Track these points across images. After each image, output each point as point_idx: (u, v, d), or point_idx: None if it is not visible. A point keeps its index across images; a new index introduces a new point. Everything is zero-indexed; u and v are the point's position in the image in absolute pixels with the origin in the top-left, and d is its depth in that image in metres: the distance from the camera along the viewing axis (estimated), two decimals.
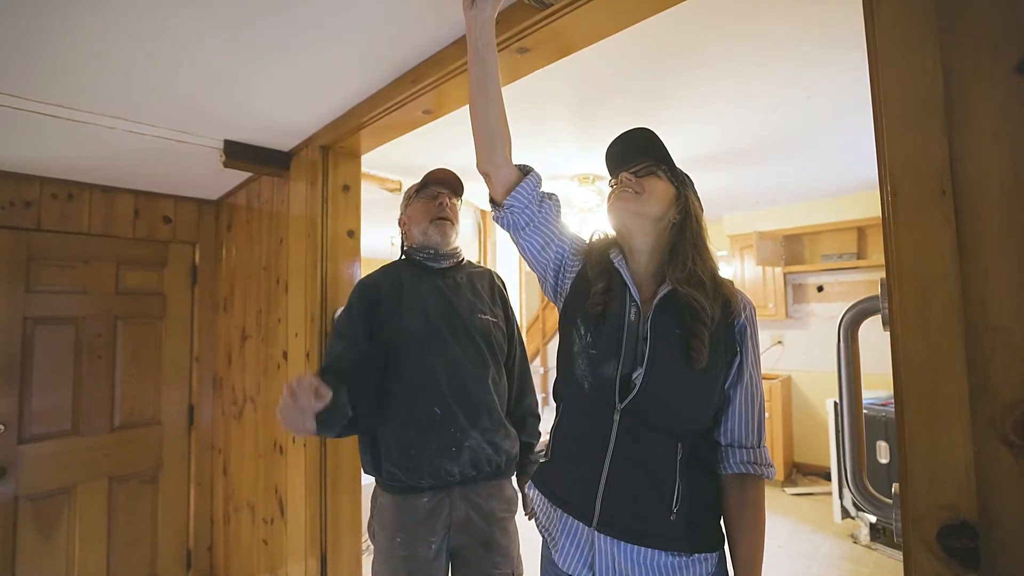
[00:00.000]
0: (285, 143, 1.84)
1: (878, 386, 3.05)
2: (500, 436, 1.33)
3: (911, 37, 0.57)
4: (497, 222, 1.01)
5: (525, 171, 0.98)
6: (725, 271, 4.27)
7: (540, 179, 1.00)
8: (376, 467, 1.31)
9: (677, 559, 0.85)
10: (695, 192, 0.96)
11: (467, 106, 0.97)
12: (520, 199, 0.96)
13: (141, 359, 2.37)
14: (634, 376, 0.87)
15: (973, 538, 0.52)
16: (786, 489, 3.72)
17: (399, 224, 1.51)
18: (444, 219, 1.41)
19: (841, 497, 2.79)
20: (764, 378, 4.01)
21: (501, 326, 1.42)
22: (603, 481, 0.88)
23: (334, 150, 1.71)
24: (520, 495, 1.39)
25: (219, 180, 2.23)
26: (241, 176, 2.17)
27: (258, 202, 2.17)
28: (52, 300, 2.14)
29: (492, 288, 1.47)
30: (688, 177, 0.96)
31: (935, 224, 0.55)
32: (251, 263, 2.20)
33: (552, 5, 0.95)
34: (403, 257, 1.46)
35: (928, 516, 0.55)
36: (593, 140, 2.44)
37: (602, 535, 0.88)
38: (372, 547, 1.35)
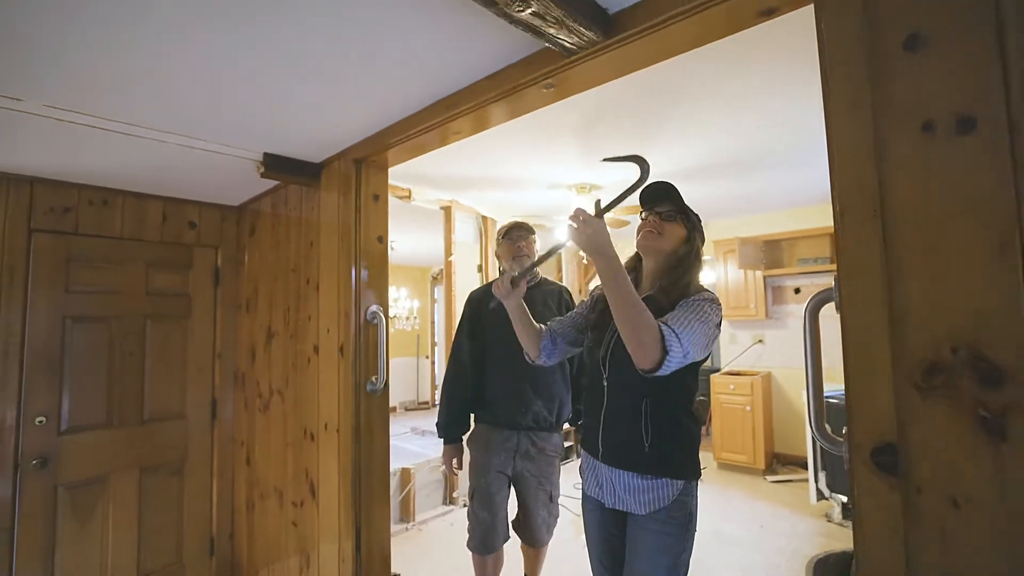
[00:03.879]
0: (317, 155, 2.02)
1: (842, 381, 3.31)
2: (555, 405, 2.04)
3: (853, 101, 0.79)
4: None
5: (541, 340, 1.48)
6: (709, 274, 4.54)
7: (545, 332, 1.49)
8: (477, 411, 2.10)
9: (649, 481, 1.22)
10: (702, 232, 1.33)
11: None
12: (547, 356, 1.49)
13: (168, 356, 2.51)
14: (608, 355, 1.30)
15: (893, 454, 0.74)
16: (767, 477, 3.98)
17: (495, 255, 2.24)
18: (522, 256, 2.07)
19: (816, 481, 3.05)
20: (745, 375, 4.28)
21: None
22: (601, 428, 1.31)
23: (366, 163, 1.89)
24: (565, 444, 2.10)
25: (243, 187, 2.40)
26: (266, 184, 2.33)
27: (285, 208, 2.34)
28: (88, 300, 2.28)
29: (559, 300, 2.14)
30: (698, 218, 1.31)
31: (869, 236, 0.77)
32: (278, 265, 2.37)
33: (576, 54, 1.16)
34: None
35: (865, 442, 0.77)
36: (592, 155, 2.66)
37: (603, 464, 1.30)
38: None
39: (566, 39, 1.05)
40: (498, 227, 2.26)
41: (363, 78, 1.39)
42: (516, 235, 2.07)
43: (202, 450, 2.61)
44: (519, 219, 2.19)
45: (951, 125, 0.72)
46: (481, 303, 2.10)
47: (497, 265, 2.26)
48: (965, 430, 0.70)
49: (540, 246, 2.15)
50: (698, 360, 1.20)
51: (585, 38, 1.06)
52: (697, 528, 1.26)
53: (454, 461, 2.15)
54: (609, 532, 1.35)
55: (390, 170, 2.16)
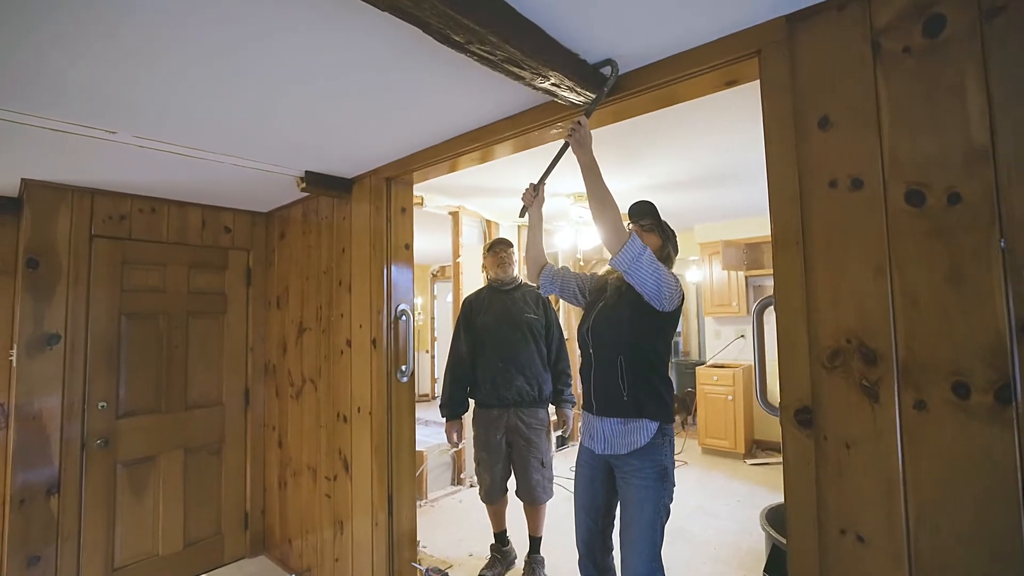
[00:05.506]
0: (350, 172, 2.30)
1: None
2: (536, 381, 2.49)
3: (785, 161, 1.10)
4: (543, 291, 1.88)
5: (544, 269, 1.83)
6: (696, 273, 4.87)
7: (551, 268, 1.85)
8: (474, 393, 2.56)
9: (628, 424, 1.57)
10: (675, 243, 1.71)
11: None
12: (544, 284, 1.84)
13: (207, 349, 2.79)
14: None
15: (809, 413, 1.05)
16: (747, 460, 4.34)
17: (483, 267, 2.76)
18: (505, 264, 2.62)
19: None
20: (727, 367, 4.63)
21: (541, 320, 2.60)
22: (592, 387, 1.66)
23: (396, 180, 2.18)
24: (551, 417, 2.65)
25: (277, 196, 2.67)
26: (299, 194, 2.61)
27: (316, 216, 2.62)
28: (140, 298, 2.54)
29: (537, 299, 2.63)
30: (673, 233, 1.67)
31: (794, 259, 1.08)
32: (309, 267, 2.65)
33: (582, 107, 1.46)
34: (487, 284, 2.69)
35: (791, 405, 1.08)
36: None
37: (595, 417, 1.65)
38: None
39: (575, 99, 1.35)
40: (489, 240, 2.80)
41: (401, 116, 1.68)
42: (499, 248, 2.65)
43: (237, 434, 2.89)
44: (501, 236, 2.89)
45: (848, 184, 1.03)
46: (473, 304, 2.61)
47: (485, 274, 2.74)
48: (854, 395, 1.01)
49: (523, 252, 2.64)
50: (659, 296, 1.50)
51: (590, 98, 1.36)
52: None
53: (455, 434, 2.59)
54: (595, 481, 1.66)
55: None
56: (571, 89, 1.29)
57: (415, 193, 3.45)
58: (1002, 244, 0.88)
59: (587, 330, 1.70)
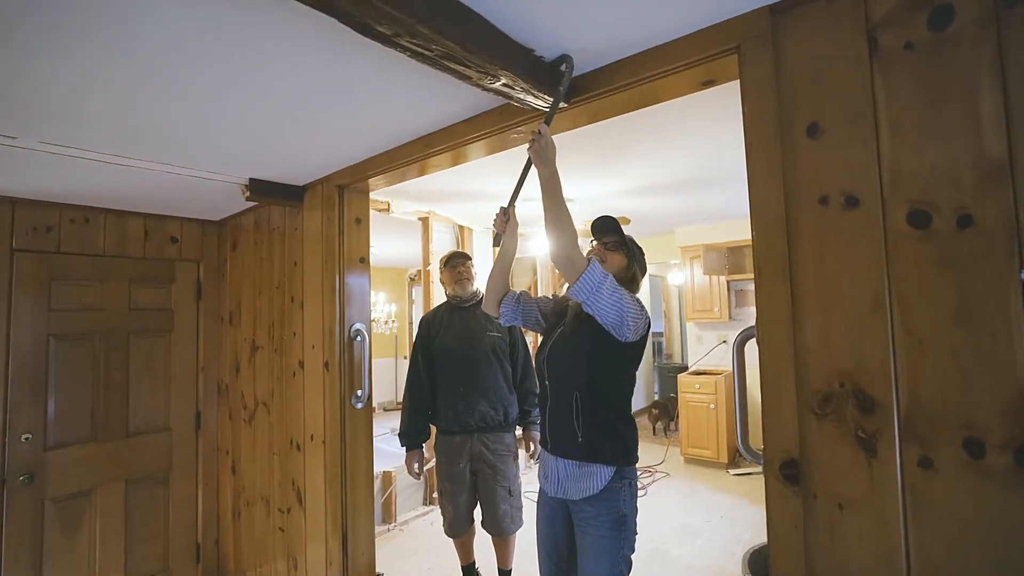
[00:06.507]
0: (301, 180, 2.11)
1: None
2: (501, 405, 2.30)
3: (769, 175, 0.96)
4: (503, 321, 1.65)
5: (504, 298, 1.61)
6: (677, 276, 4.76)
7: (512, 293, 1.63)
8: (434, 420, 2.35)
9: (582, 468, 1.40)
10: (642, 262, 1.54)
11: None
12: (506, 314, 1.61)
13: (152, 370, 2.57)
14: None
15: (796, 467, 0.91)
16: (730, 471, 4.24)
17: (440, 282, 2.54)
18: (464, 280, 2.40)
19: None
20: (709, 374, 4.53)
21: (504, 338, 2.40)
22: (548, 422, 1.51)
23: (349, 189, 2.00)
24: (519, 442, 2.39)
25: (226, 205, 2.46)
26: (248, 202, 2.40)
27: (267, 226, 2.41)
28: (71, 318, 2.32)
29: None
30: (640, 250, 1.50)
31: (779, 290, 0.94)
32: (262, 281, 2.45)
33: (544, 113, 1.30)
34: (446, 300, 2.48)
35: (775, 457, 0.93)
36: (565, 172, 2.81)
37: (550, 455, 1.49)
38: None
39: (534, 102, 1.19)
40: (440, 257, 2.60)
41: (347, 120, 1.50)
42: (455, 262, 2.44)
43: (187, 460, 2.67)
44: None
45: (841, 201, 0.89)
46: (431, 323, 2.42)
47: (444, 290, 2.52)
48: (848, 448, 0.87)
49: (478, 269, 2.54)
50: (621, 327, 1.32)
51: (549, 101, 1.20)
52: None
53: (415, 464, 2.37)
54: (556, 524, 1.51)
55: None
56: (527, 91, 1.13)
57: (380, 198, 3.27)
58: (1022, 276, 0.74)
59: (544, 360, 1.54)
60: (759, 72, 0.97)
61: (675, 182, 3.05)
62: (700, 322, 4.90)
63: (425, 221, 3.54)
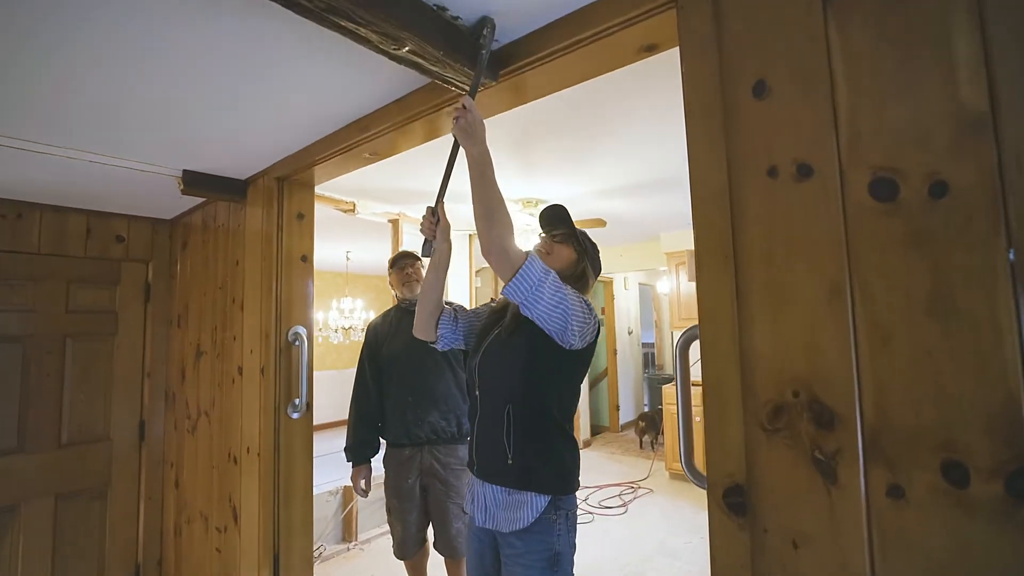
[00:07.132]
0: (242, 172, 1.96)
1: None
2: (453, 415, 2.10)
3: (710, 146, 0.81)
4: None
5: (440, 317, 1.39)
6: (663, 285, 4.61)
7: (447, 311, 1.42)
8: (383, 432, 2.18)
9: (512, 496, 1.21)
10: (594, 258, 1.35)
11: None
12: (445, 336, 1.40)
13: (91, 376, 2.40)
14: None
15: (742, 495, 0.75)
16: None
17: (389, 284, 2.31)
18: (413, 281, 2.19)
19: None
20: (697, 385, 4.34)
21: None
22: (475, 440, 1.30)
23: (289, 181, 1.85)
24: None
25: (174, 201, 2.32)
26: (197, 198, 2.26)
27: (214, 224, 2.27)
28: None
29: None
30: (594, 246, 1.33)
31: (723, 279, 0.78)
32: (207, 282, 2.29)
33: (466, 87, 1.15)
34: (395, 304, 2.30)
35: (718, 482, 0.77)
36: (534, 170, 2.67)
37: (476, 478, 1.29)
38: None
39: (452, 76, 1.04)
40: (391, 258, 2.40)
41: (266, 101, 1.36)
42: (403, 263, 2.23)
43: (128, 473, 2.49)
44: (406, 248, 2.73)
45: (792, 171, 0.74)
46: (378, 328, 2.24)
47: (393, 293, 2.32)
48: (803, 471, 0.71)
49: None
50: (564, 332, 1.15)
51: (471, 75, 1.05)
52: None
53: (362, 482, 2.16)
54: (484, 561, 1.32)
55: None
56: (440, 61, 0.99)
57: (345, 198, 3.13)
58: (1010, 256, 0.59)
59: (475, 366, 1.32)
60: (698, 25, 0.83)
61: (657, 181, 2.91)
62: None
63: (395, 223, 3.40)
